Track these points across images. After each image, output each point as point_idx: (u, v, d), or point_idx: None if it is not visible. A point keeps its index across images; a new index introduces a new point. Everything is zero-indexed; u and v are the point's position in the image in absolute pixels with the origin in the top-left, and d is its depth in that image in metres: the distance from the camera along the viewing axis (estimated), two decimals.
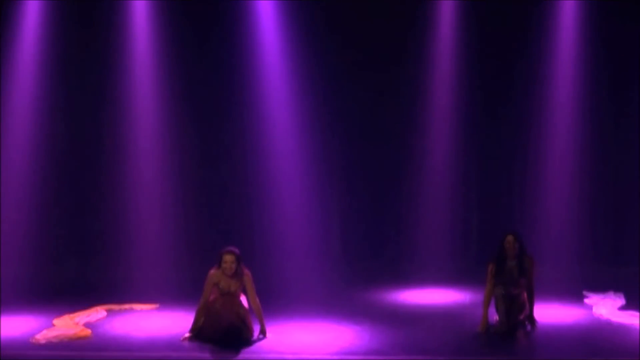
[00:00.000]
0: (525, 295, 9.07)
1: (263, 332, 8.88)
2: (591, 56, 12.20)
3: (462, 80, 12.40)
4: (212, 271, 8.85)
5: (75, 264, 12.58)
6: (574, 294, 10.50)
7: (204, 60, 12.55)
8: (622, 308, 9.85)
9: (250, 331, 8.82)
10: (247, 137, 12.68)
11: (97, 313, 9.73)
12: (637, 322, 9.26)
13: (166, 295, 10.56)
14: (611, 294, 10.17)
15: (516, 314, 9.01)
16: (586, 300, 10.21)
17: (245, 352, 8.46)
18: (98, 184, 12.70)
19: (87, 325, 9.29)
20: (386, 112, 12.54)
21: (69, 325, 9.25)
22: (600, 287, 10.52)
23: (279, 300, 10.46)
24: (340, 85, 12.51)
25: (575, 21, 12.16)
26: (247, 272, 8.89)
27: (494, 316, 9.11)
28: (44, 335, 8.86)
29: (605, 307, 9.80)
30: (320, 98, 12.48)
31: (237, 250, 8.92)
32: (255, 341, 8.74)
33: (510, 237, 9.23)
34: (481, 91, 12.39)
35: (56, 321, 9.35)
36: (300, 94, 12.47)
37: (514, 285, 9.08)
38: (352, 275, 12.07)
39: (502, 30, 12.22)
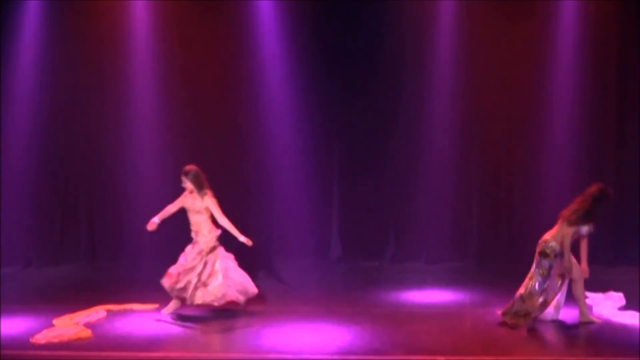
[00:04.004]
0: None
1: (242, 240, 9.77)
2: (592, 55, 12.19)
3: (462, 79, 12.39)
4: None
5: (76, 264, 12.59)
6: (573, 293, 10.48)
7: (204, 58, 12.56)
8: (622, 308, 9.85)
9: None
10: (245, 138, 12.68)
11: (97, 313, 9.73)
12: (637, 322, 9.25)
13: (166, 295, 10.55)
14: (611, 294, 10.16)
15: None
16: (586, 300, 10.20)
17: (246, 352, 8.47)
18: (98, 184, 12.70)
19: (87, 325, 9.29)
20: (385, 112, 12.53)
21: (69, 325, 9.25)
22: (600, 287, 10.51)
23: (279, 301, 10.46)
24: (339, 83, 12.51)
25: (575, 21, 12.17)
26: (209, 193, 9.75)
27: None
28: (44, 335, 8.86)
29: (605, 307, 9.79)
30: (319, 96, 12.47)
31: (189, 168, 9.82)
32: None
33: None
34: (481, 90, 12.39)
35: (56, 321, 9.35)
36: (300, 92, 12.46)
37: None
38: (352, 275, 12.07)
39: (502, 29, 12.24)
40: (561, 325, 9.35)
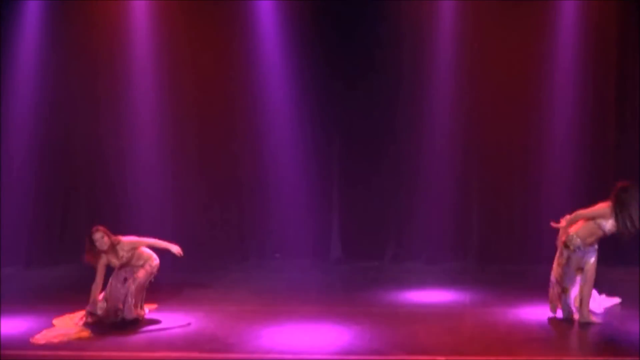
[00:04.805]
0: None
1: (174, 251, 9.50)
2: (592, 55, 12.19)
3: (463, 79, 12.39)
4: (93, 257, 9.38)
5: (76, 264, 12.57)
6: None
7: (204, 58, 12.56)
8: (615, 306, 9.83)
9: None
10: (245, 138, 12.68)
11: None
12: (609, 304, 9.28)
13: (166, 295, 10.55)
14: (603, 297, 10.08)
15: None
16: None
17: (246, 352, 8.47)
18: (98, 183, 12.70)
19: (87, 325, 9.28)
20: (386, 112, 12.53)
21: (69, 325, 9.24)
22: (601, 287, 10.49)
23: (279, 301, 10.46)
24: (340, 83, 12.51)
25: (575, 21, 12.16)
26: (121, 239, 9.41)
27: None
28: (44, 336, 8.86)
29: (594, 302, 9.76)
30: (319, 96, 12.49)
31: (99, 227, 9.41)
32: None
33: None
34: (481, 90, 12.39)
35: (56, 321, 9.35)
36: (300, 92, 12.48)
37: None
38: (352, 275, 12.06)
39: (502, 29, 12.24)
40: (561, 325, 9.35)
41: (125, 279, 9.52)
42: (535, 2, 12.15)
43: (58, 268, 12.43)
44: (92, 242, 9.37)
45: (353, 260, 12.59)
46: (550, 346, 8.83)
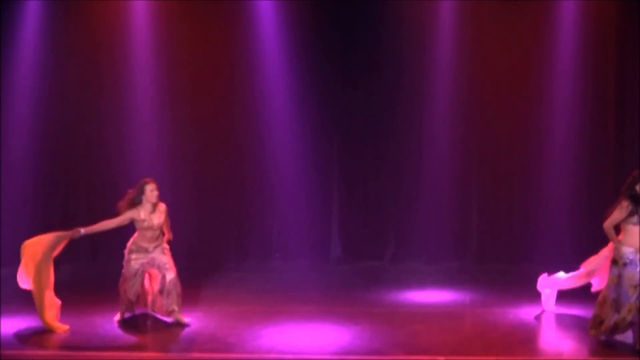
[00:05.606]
0: None
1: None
2: (592, 55, 12.18)
3: (462, 79, 12.38)
4: (129, 206, 9.33)
5: (76, 264, 12.58)
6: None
7: (204, 58, 12.56)
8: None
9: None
10: (244, 138, 12.68)
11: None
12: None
13: None
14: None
15: None
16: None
17: (246, 352, 8.47)
18: (99, 184, 12.70)
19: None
20: (385, 112, 12.52)
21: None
22: None
23: (279, 301, 10.46)
24: (339, 85, 12.51)
25: (575, 21, 12.16)
26: (163, 204, 9.46)
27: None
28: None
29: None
30: (319, 96, 12.48)
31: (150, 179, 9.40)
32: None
33: None
34: (481, 90, 12.38)
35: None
36: (300, 92, 12.46)
37: None
38: (352, 275, 12.07)
39: (502, 28, 12.24)
40: (560, 326, 9.35)
41: (145, 274, 9.57)
42: (535, 2, 12.14)
43: (58, 268, 12.38)
44: (141, 192, 9.31)
45: (353, 260, 12.58)
46: (550, 346, 8.83)
